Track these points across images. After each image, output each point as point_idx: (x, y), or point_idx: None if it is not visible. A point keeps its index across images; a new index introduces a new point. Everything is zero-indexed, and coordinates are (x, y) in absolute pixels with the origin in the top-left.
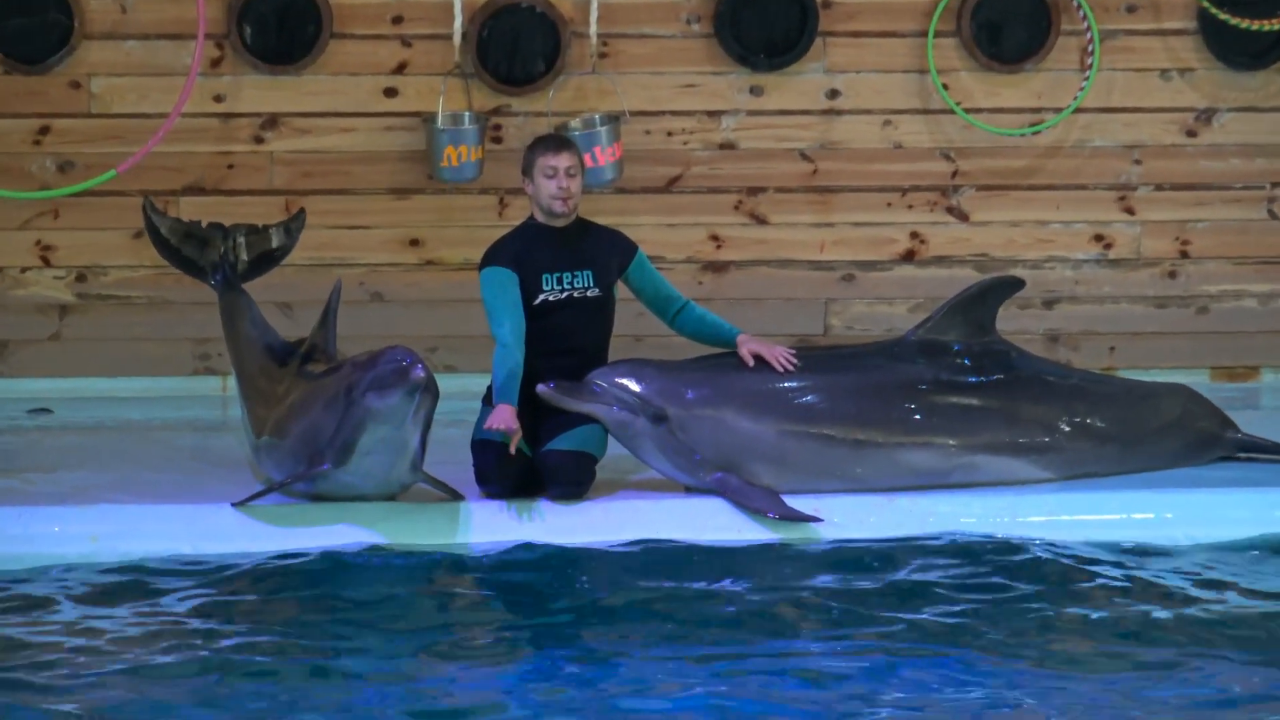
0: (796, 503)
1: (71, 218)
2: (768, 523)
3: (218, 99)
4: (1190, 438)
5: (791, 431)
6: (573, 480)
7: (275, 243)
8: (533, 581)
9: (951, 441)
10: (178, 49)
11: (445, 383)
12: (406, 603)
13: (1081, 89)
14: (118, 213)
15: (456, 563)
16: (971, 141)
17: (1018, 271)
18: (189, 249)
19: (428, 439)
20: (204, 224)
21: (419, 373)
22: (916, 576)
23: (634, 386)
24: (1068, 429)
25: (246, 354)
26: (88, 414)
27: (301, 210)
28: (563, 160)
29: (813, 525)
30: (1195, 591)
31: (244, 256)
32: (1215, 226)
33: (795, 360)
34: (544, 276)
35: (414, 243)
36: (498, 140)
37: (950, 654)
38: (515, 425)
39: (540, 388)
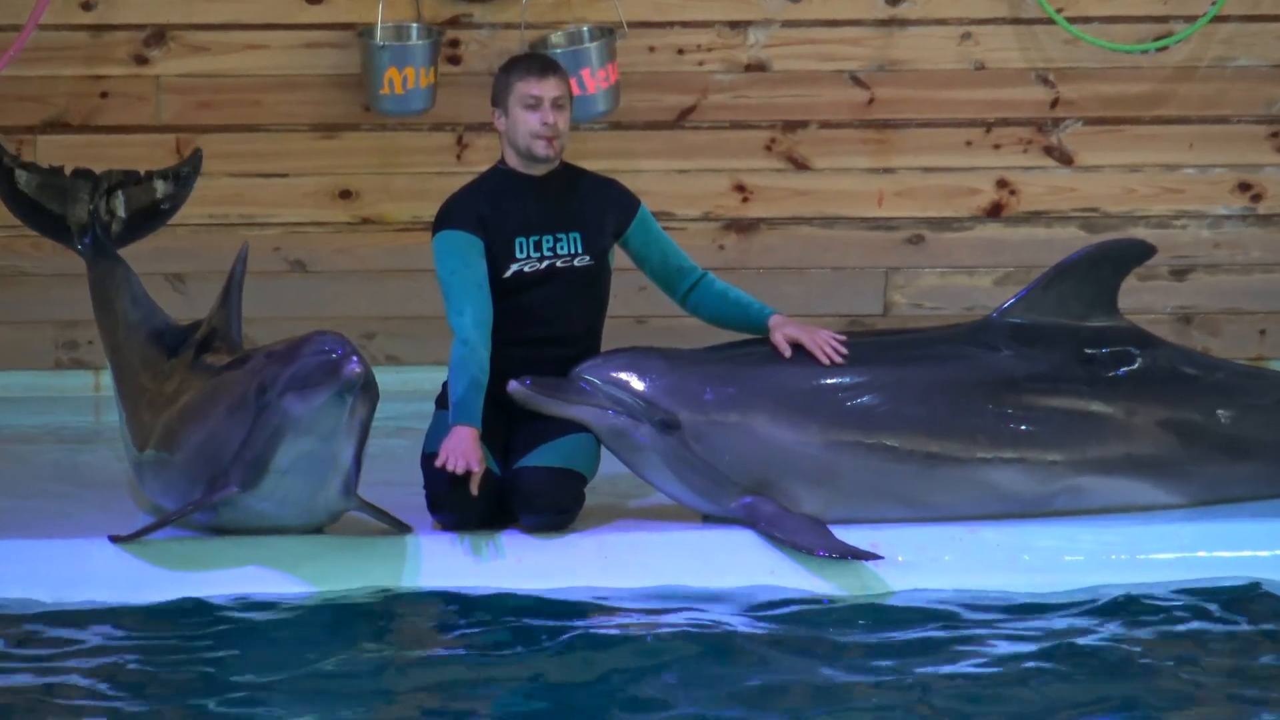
0: (849, 536)
1: None
2: (812, 562)
3: (86, 7)
4: None
5: (842, 443)
6: (555, 506)
7: (161, 194)
8: (502, 640)
9: (1052, 456)
10: None
11: (386, 379)
12: (335, 668)
13: None
14: None
15: (402, 615)
16: (1077, 60)
17: (1138, 231)
18: (49, 204)
19: (364, 453)
20: (68, 171)
21: (352, 367)
22: (1007, 632)
23: (635, 384)
24: (1206, 440)
25: (126, 342)
26: None
27: (197, 151)
28: (549, 87)
29: (870, 566)
30: None
31: (120, 213)
32: None
33: (845, 349)
34: (518, 241)
35: (345, 195)
36: (455, 61)
37: None
38: (477, 458)
39: (513, 386)
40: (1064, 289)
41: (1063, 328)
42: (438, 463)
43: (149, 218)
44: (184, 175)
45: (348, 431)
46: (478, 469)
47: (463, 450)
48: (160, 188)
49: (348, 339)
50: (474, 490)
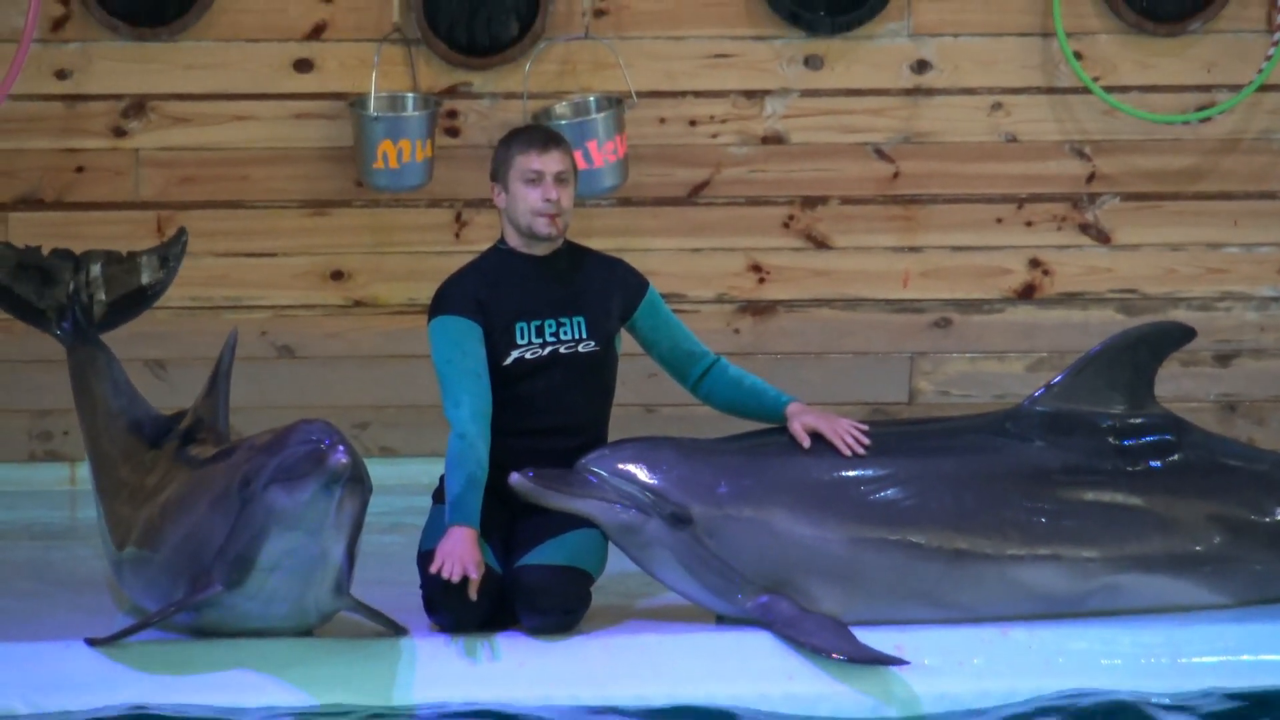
0: (871, 638)
1: None
2: (833, 667)
3: (61, 75)
4: None
5: (864, 539)
6: (560, 606)
7: (146, 278)
8: None
9: (1088, 553)
10: (5, 5)
11: (380, 471)
12: None
13: (1269, 58)
14: None
15: None
16: (1115, 132)
17: (1179, 314)
18: (24, 286)
19: (356, 550)
20: (45, 251)
21: (339, 457)
22: None
23: (644, 476)
24: (1251, 535)
25: (105, 432)
26: None
27: (182, 232)
28: (551, 161)
29: (894, 670)
30: None
31: (102, 296)
32: None
33: (868, 439)
34: (518, 326)
35: (337, 276)
36: (453, 133)
37: None
38: (475, 562)
39: (514, 478)
40: (1099, 375)
41: (1098, 416)
42: (433, 568)
43: (133, 301)
44: (170, 256)
45: (336, 526)
46: (475, 574)
47: (459, 554)
48: (145, 269)
49: (335, 428)
50: (472, 595)
